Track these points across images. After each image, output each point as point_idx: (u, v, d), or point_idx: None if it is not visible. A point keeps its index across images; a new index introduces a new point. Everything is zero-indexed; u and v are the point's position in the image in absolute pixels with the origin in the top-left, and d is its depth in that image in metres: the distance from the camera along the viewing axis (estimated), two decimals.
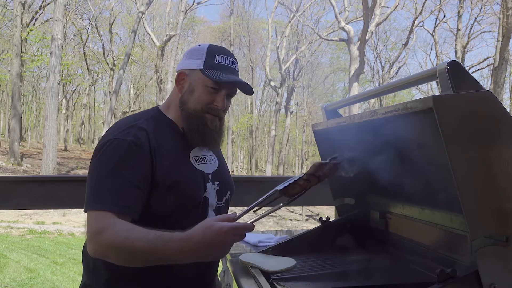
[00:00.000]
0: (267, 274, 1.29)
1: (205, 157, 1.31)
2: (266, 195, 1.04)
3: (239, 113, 31.38)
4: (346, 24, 15.35)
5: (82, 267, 1.28)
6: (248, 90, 1.29)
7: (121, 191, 1.09)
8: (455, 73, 0.97)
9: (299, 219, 14.61)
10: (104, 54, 24.17)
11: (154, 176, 1.15)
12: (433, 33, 22.27)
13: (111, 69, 23.21)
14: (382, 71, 25.45)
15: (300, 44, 24.00)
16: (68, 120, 30.49)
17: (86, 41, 24.27)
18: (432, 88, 21.87)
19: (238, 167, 31.67)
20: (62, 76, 19.78)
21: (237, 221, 1.02)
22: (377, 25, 15.37)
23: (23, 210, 9.23)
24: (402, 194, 1.48)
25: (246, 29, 27.30)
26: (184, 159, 1.24)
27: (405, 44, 20.19)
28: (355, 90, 13.72)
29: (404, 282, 1.25)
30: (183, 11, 19.70)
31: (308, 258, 1.50)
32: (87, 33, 24.32)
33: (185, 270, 1.19)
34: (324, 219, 1.67)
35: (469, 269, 1.00)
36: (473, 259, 1.00)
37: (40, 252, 7.01)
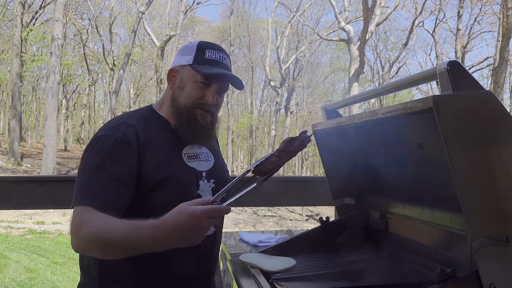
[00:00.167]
0: (267, 274, 1.28)
1: (199, 155, 1.30)
2: (239, 176, 1.02)
3: (239, 113, 31.38)
4: (346, 24, 15.35)
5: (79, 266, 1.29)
6: (238, 84, 1.29)
7: (105, 187, 1.09)
8: (455, 73, 0.97)
9: (299, 219, 14.61)
10: (104, 54, 24.17)
11: (143, 172, 1.14)
12: (433, 33, 22.28)
13: (111, 69, 23.22)
14: (382, 71, 25.45)
15: (300, 44, 24.00)
16: (68, 120, 30.49)
17: (86, 41, 24.29)
18: (432, 88, 21.87)
19: (238, 167, 31.67)
20: (62, 76, 19.78)
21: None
22: (377, 25, 15.37)
23: (23, 210, 9.23)
24: (402, 194, 1.48)
25: (246, 29, 27.31)
26: (175, 156, 1.24)
27: (405, 44, 20.19)
28: (355, 90, 13.72)
29: (404, 282, 1.25)
30: (183, 11, 19.71)
31: (308, 258, 1.50)
32: (87, 33, 24.33)
33: (180, 269, 1.20)
34: (324, 219, 1.67)
35: (469, 269, 1.00)
36: (473, 259, 1.01)
37: (40, 252, 7.01)
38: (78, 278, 1.29)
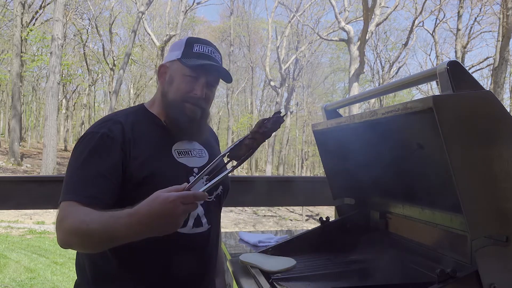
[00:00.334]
0: (267, 274, 1.29)
1: (190, 151, 1.29)
2: (214, 161, 1.01)
3: (239, 113, 31.39)
4: (346, 24, 15.34)
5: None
6: (225, 75, 1.28)
7: (89, 181, 1.10)
8: (455, 73, 0.97)
9: (299, 219, 14.60)
10: (104, 54, 24.16)
11: (129, 168, 1.15)
12: (433, 33, 22.28)
13: (111, 69, 23.21)
14: (382, 71, 25.44)
15: (300, 44, 24.00)
16: (68, 120, 30.49)
17: (86, 41, 24.28)
18: (432, 88, 21.87)
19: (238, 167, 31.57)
20: (62, 76, 19.78)
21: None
22: (377, 25, 15.37)
23: (23, 210, 9.23)
24: (402, 194, 1.48)
25: (246, 29, 27.31)
26: (164, 152, 1.23)
27: (405, 44, 20.18)
28: (355, 90, 13.72)
29: (404, 282, 1.25)
30: (183, 11, 19.71)
31: (308, 258, 1.50)
32: (87, 33, 24.33)
33: (173, 268, 1.19)
34: (324, 219, 1.67)
35: (469, 269, 1.00)
36: (473, 259, 1.01)
37: (40, 252, 7.01)
38: None
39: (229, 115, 26.27)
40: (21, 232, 8.85)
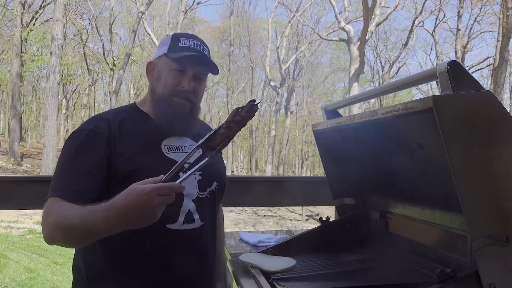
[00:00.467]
0: (267, 274, 1.28)
1: (181, 147, 1.28)
2: (190, 152, 1.00)
3: None
4: (346, 24, 15.34)
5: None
6: (212, 66, 1.27)
7: (72, 177, 1.11)
8: (455, 73, 0.97)
9: (299, 219, 14.61)
10: (104, 54, 24.16)
11: (114, 163, 1.15)
12: (433, 33, 22.27)
13: (111, 69, 23.21)
14: (382, 71, 25.44)
15: (300, 44, 24.00)
16: (68, 120, 30.50)
17: (86, 41, 24.28)
18: (432, 88, 21.87)
19: (238, 167, 31.66)
20: (62, 76, 19.77)
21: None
22: (377, 25, 15.36)
23: (23, 210, 9.23)
24: (402, 194, 1.48)
25: (246, 29, 27.30)
26: (152, 147, 1.23)
27: (405, 44, 20.19)
28: (355, 90, 13.72)
29: (404, 282, 1.25)
30: (183, 11, 19.72)
31: (308, 258, 1.50)
32: (87, 33, 24.32)
33: (167, 267, 1.18)
34: (324, 219, 1.67)
35: (469, 269, 1.00)
36: (473, 259, 1.01)
37: (40, 252, 7.00)
38: None
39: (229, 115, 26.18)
40: (21, 232, 8.85)
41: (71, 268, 1.28)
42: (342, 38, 16.17)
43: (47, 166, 13.23)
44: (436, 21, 21.69)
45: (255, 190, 2.42)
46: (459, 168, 0.95)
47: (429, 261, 1.28)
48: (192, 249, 1.24)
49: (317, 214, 14.76)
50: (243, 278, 1.31)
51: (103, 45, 24.37)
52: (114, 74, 22.84)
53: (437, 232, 1.28)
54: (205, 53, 1.28)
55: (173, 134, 1.27)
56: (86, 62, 24.61)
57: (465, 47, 19.32)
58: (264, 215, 14.58)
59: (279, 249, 1.52)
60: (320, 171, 28.60)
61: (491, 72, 18.60)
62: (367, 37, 13.86)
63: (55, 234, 1.05)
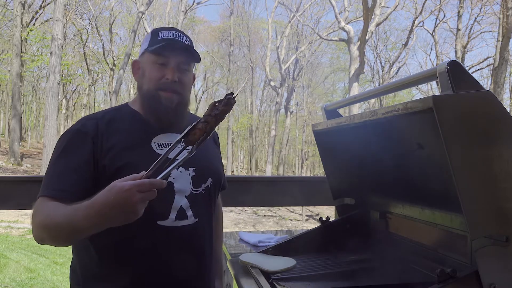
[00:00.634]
0: (267, 274, 1.29)
1: (171, 143, 1.27)
2: (169, 148, 1.00)
3: (239, 113, 31.37)
4: (346, 24, 15.34)
5: None
6: (193, 53, 1.27)
7: (58, 176, 1.13)
8: (455, 73, 0.97)
9: (299, 219, 14.61)
10: (104, 54, 24.16)
11: (101, 160, 1.16)
12: (433, 33, 22.27)
13: (111, 69, 23.21)
14: (382, 71, 25.44)
15: (300, 44, 23.99)
16: (68, 120, 30.46)
17: (86, 41, 24.27)
18: (432, 88, 21.87)
19: (238, 167, 31.66)
20: (62, 76, 19.76)
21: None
22: (377, 25, 15.36)
23: (23, 210, 9.21)
24: (402, 194, 1.48)
25: (246, 29, 27.30)
26: (141, 144, 1.22)
27: (405, 44, 20.18)
28: (355, 90, 13.72)
29: (404, 282, 1.25)
30: (183, 11, 19.72)
31: (308, 258, 1.50)
32: (87, 33, 24.31)
33: (161, 266, 1.18)
34: (324, 219, 1.67)
35: (469, 269, 1.00)
36: (473, 259, 1.01)
37: (40, 252, 7.00)
38: None
39: (229, 115, 26.21)
40: (21, 232, 8.85)
41: None
42: (342, 38, 16.17)
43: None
44: (436, 21, 21.71)
45: (255, 190, 2.42)
46: (459, 168, 0.95)
47: (429, 261, 1.28)
48: (186, 246, 1.22)
49: (317, 214, 14.76)
50: (243, 278, 1.32)
51: (103, 45, 24.38)
52: (114, 74, 22.85)
53: (437, 232, 1.28)
54: (184, 42, 1.28)
55: (162, 129, 1.26)
56: (86, 62, 24.61)
57: (465, 47, 19.32)
58: (264, 215, 14.58)
59: (279, 249, 1.52)
60: (320, 171, 28.60)
61: (491, 72, 18.61)
62: (367, 37, 13.86)
63: (42, 233, 1.06)
